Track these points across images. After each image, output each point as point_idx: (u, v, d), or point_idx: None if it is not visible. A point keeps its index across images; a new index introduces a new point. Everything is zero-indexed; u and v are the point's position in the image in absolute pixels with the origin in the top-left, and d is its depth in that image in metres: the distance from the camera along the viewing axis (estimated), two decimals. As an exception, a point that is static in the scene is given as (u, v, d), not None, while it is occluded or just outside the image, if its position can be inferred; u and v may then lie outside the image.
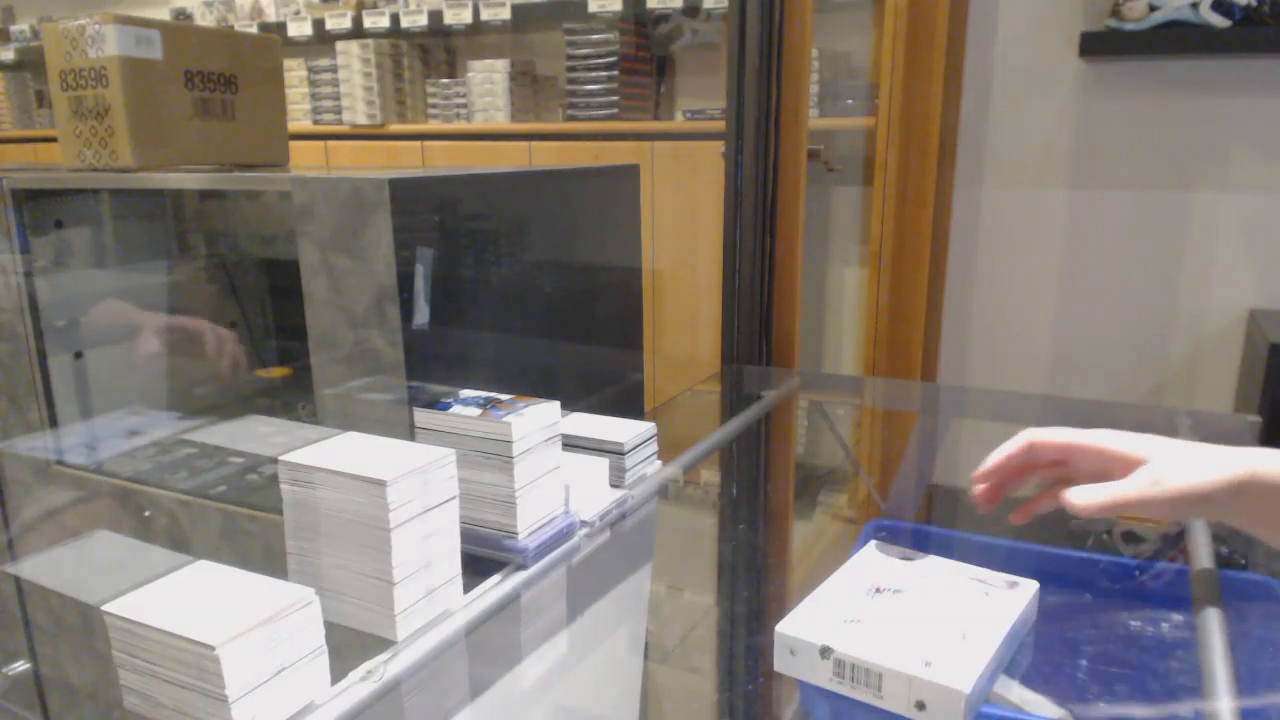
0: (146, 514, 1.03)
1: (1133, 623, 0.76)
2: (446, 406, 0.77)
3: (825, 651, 0.59)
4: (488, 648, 0.70)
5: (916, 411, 1.48)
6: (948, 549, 0.92)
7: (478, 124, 2.82)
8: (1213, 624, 0.71)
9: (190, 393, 1.29)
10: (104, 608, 0.55)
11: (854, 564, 0.70)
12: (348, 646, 0.64)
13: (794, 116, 1.50)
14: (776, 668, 0.61)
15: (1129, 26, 1.86)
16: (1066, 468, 0.69)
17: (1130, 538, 0.95)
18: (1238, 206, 1.93)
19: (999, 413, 1.43)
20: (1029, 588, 0.69)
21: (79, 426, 1.15)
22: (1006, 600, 0.65)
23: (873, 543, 0.73)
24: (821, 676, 0.59)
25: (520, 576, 0.76)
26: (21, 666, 1.00)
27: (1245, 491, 0.58)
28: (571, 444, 0.91)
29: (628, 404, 1.25)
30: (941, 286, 2.21)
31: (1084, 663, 0.69)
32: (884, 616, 0.62)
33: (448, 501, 0.69)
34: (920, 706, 0.55)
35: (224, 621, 0.53)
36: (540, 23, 2.82)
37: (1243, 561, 0.86)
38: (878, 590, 0.66)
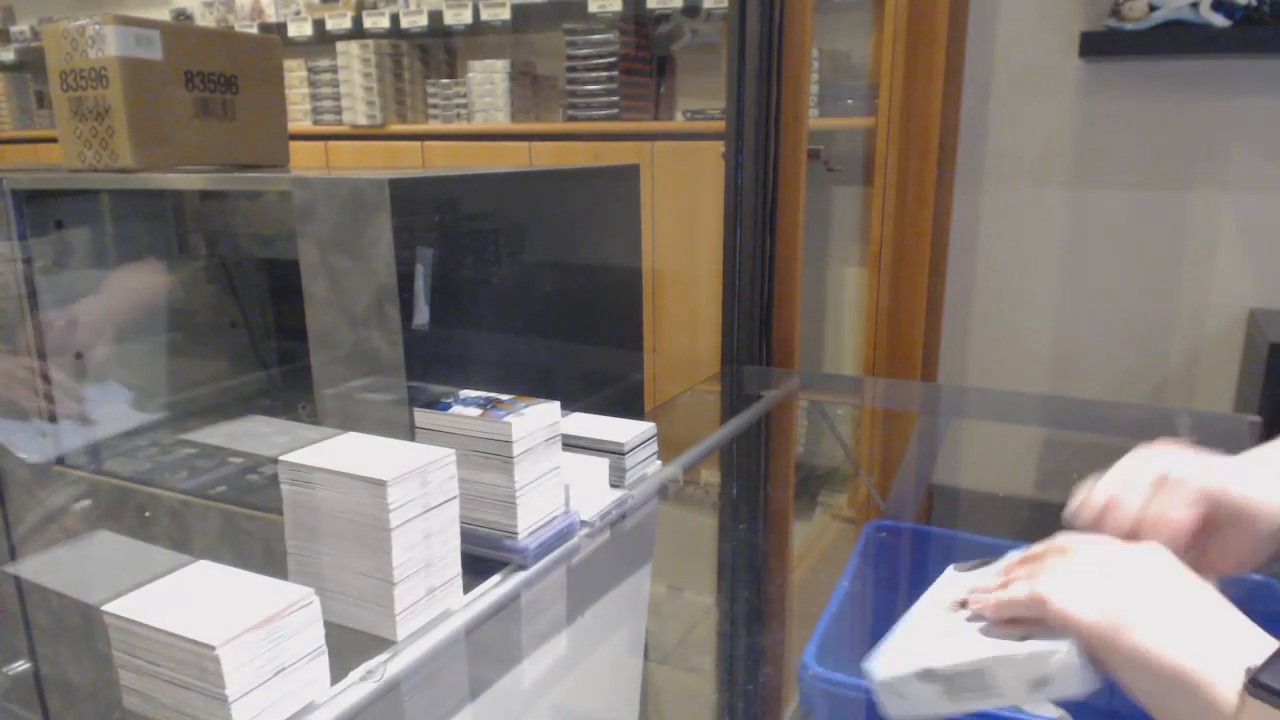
0: (147, 514, 1.03)
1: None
2: (446, 406, 0.77)
3: (927, 675, 0.55)
4: (488, 648, 0.70)
5: (916, 411, 1.48)
6: (948, 549, 0.92)
7: (478, 124, 2.82)
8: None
9: (190, 392, 1.29)
10: (104, 608, 0.55)
11: (934, 592, 0.65)
12: (348, 646, 0.64)
13: (794, 116, 1.50)
14: (889, 714, 0.57)
15: (1129, 26, 1.86)
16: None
17: (1130, 538, 0.95)
18: (1238, 206, 1.93)
19: (999, 413, 1.43)
20: None
21: (79, 426, 1.15)
22: None
23: (951, 567, 0.68)
24: (938, 703, 0.55)
25: (520, 576, 0.76)
26: (21, 666, 1.00)
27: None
28: (571, 444, 0.91)
29: (628, 404, 1.25)
30: (941, 286, 2.21)
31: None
32: (974, 622, 0.58)
33: (448, 501, 0.69)
34: (1040, 683, 0.52)
35: (224, 621, 0.53)
36: (540, 23, 2.82)
37: (1243, 561, 0.86)
38: (961, 604, 0.61)
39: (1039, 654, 0.52)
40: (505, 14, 2.72)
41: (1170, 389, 2.06)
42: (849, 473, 1.25)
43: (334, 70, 3.01)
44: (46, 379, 1.10)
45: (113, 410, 1.18)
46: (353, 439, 0.71)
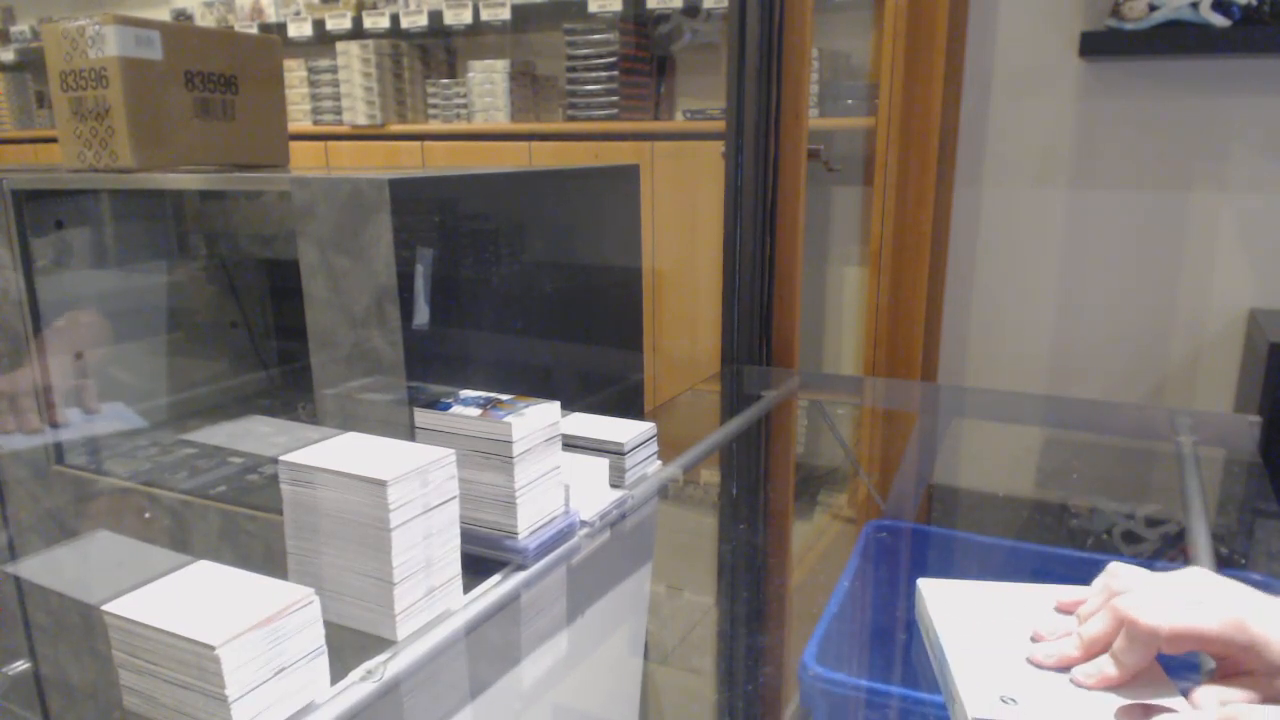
0: (147, 514, 1.03)
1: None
2: (446, 406, 0.77)
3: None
4: (488, 648, 0.70)
5: (916, 411, 1.48)
6: (948, 549, 0.92)
7: (478, 124, 2.82)
8: (1213, 624, 0.70)
9: (191, 392, 1.29)
10: (104, 608, 0.55)
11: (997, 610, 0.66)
12: (348, 646, 0.64)
13: (794, 116, 1.50)
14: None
15: (1129, 26, 1.86)
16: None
17: (1130, 537, 0.95)
18: (1238, 206, 1.93)
19: (999, 413, 1.43)
20: None
21: (79, 426, 1.15)
22: None
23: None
24: None
25: (520, 576, 0.76)
26: (21, 666, 1.00)
27: None
28: (571, 444, 0.91)
29: (628, 404, 1.25)
30: (941, 286, 2.21)
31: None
32: (1052, 669, 0.59)
33: (448, 501, 0.69)
34: None
35: (224, 621, 0.53)
36: (540, 23, 2.82)
37: (1243, 561, 0.86)
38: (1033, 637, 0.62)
39: None
40: (505, 14, 2.72)
41: (1170, 389, 2.06)
42: (849, 473, 1.25)
43: (334, 70, 3.01)
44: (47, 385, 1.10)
45: (113, 411, 1.18)
46: (353, 439, 0.71)
